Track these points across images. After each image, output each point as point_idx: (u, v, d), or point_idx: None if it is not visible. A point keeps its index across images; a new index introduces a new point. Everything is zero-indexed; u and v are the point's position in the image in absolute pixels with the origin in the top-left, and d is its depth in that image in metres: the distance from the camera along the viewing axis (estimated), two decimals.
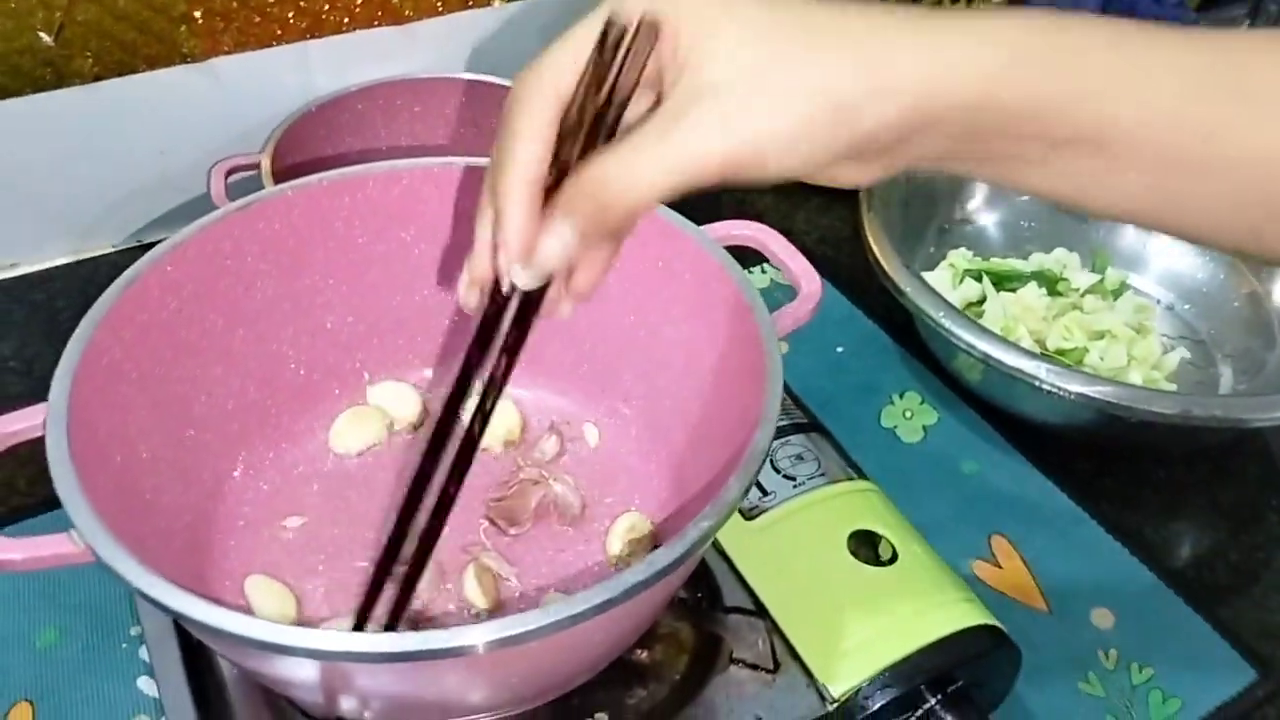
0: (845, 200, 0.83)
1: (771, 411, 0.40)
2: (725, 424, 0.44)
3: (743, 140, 0.32)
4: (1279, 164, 0.33)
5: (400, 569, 0.40)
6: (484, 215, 0.37)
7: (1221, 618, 0.58)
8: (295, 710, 0.46)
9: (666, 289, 0.50)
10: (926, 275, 0.71)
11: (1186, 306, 0.76)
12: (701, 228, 0.49)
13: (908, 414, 0.69)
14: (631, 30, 0.34)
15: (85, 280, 0.77)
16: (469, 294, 0.39)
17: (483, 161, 0.52)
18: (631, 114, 0.35)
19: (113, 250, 0.80)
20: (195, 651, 0.48)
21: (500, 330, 0.38)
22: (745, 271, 0.47)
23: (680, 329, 0.50)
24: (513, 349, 0.38)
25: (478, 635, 0.32)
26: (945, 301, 0.63)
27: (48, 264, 0.78)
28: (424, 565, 0.40)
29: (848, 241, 0.84)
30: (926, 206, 0.78)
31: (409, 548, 0.40)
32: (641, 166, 0.32)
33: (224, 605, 0.33)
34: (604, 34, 0.34)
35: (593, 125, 0.34)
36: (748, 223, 0.49)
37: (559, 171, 0.35)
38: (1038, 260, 0.77)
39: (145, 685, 0.53)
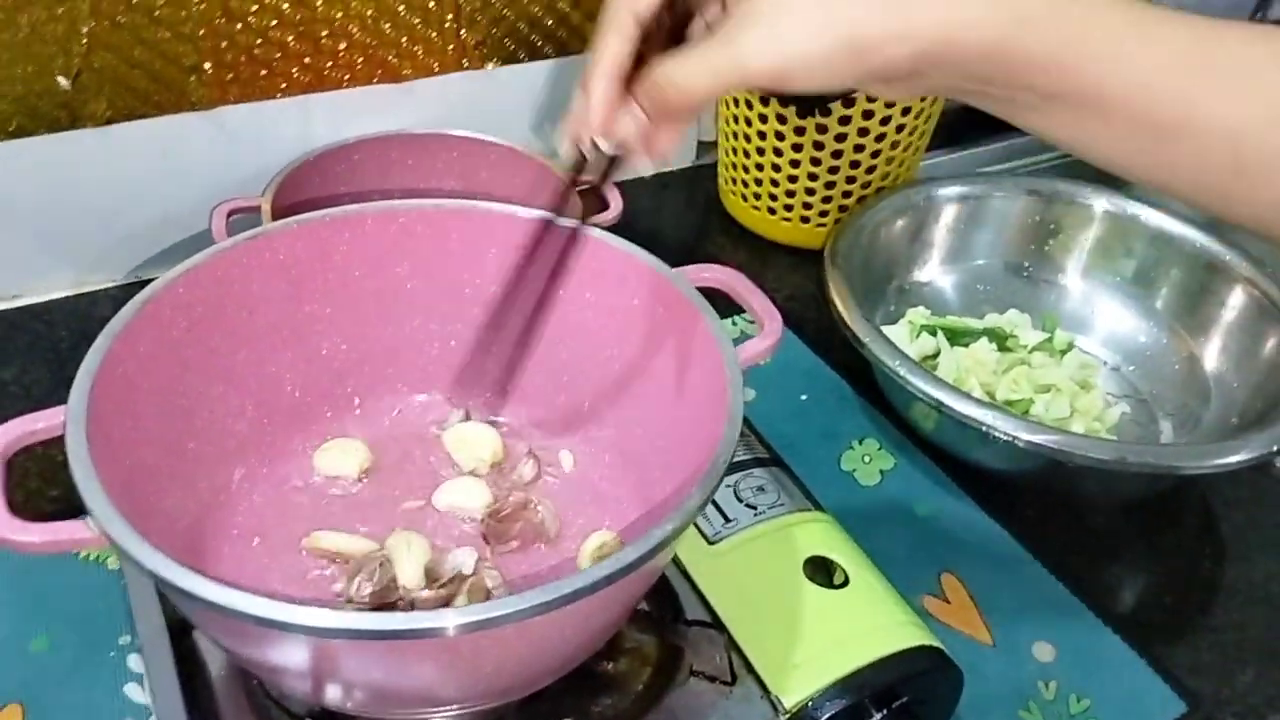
0: (813, 260, 0.88)
1: (731, 432, 0.44)
2: (691, 449, 0.48)
3: (775, 62, 0.39)
4: (1238, 133, 0.38)
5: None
6: (579, 94, 0.45)
7: (1156, 655, 0.62)
8: (281, 711, 0.49)
9: (641, 324, 0.54)
10: (886, 329, 0.76)
11: (1130, 368, 0.81)
12: (675, 269, 0.53)
13: (866, 459, 0.73)
14: None
15: (85, 312, 0.81)
16: (565, 149, 0.47)
17: (470, 205, 0.56)
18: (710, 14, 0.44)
19: (113, 285, 0.83)
20: (186, 656, 0.50)
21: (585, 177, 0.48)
22: (715, 312, 0.51)
23: (652, 361, 0.54)
24: (598, 191, 0.49)
25: (451, 618, 0.36)
26: (902, 353, 0.67)
27: (50, 295, 0.82)
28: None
29: (813, 298, 0.89)
30: (886, 268, 0.83)
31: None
32: (699, 72, 0.41)
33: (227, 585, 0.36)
34: None
35: (670, 30, 0.43)
36: (718, 266, 0.54)
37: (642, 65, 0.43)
38: (991, 319, 0.81)
39: (132, 692, 0.55)
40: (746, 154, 0.91)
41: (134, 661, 0.56)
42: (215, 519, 0.52)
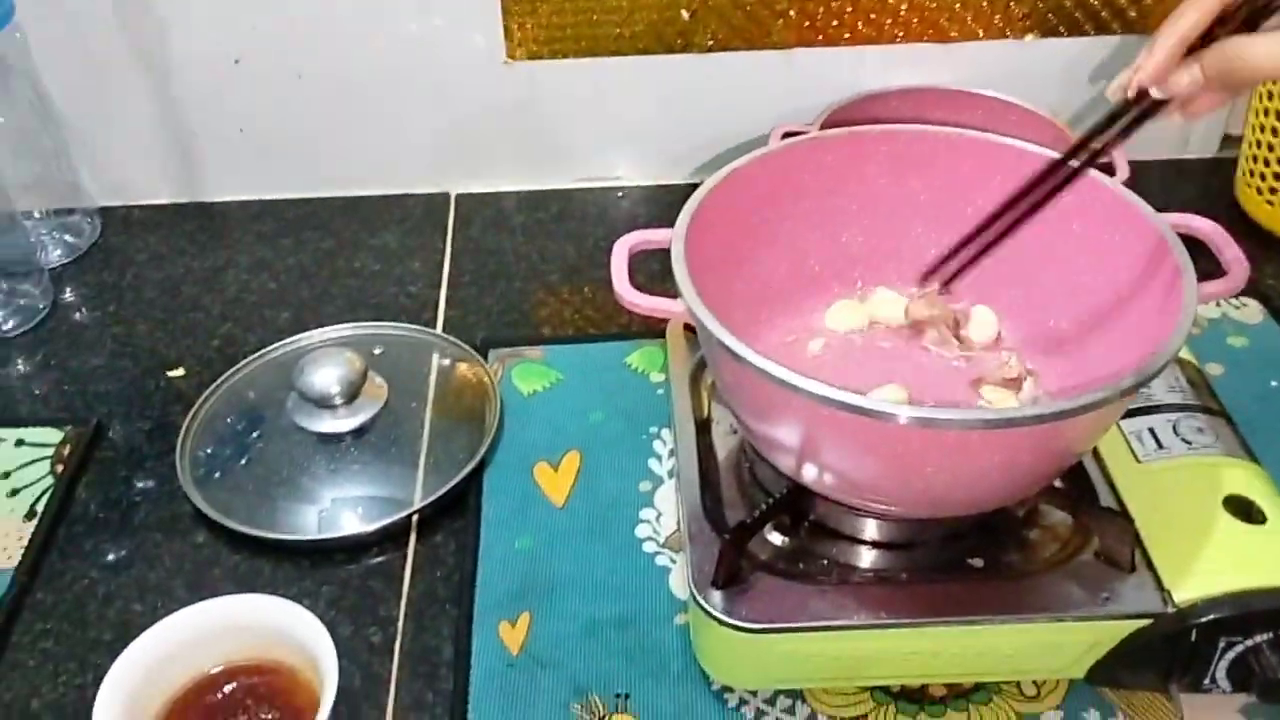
0: None
1: (1176, 341, 0.51)
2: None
3: None
4: None
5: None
6: (1145, 50, 0.53)
7: None
8: (761, 491, 0.64)
9: (1115, 257, 0.62)
10: None
11: None
12: (1161, 214, 0.60)
13: None
14: None
15: (656, 199, 1.03)
16: (1116, 91, 0.55)
17: (986, 136, 0.67)
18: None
19: (680, 182, 1.05)
20: (702, 445, 0.67)
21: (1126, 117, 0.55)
22: (1186, 251, 0.58)
23: (1122, 291, 0.61)
24: (1128, 130, 0.55)
25: (905, 410, 0.48)
26: None
27: (635, 183, 1.05)
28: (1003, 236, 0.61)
29: None
30: None
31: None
32: (1272, 53, 0.48)
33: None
34: None
35: (1245, 19, 0.50)
36: (1200, 216, 0.60)
37: (1207, 41, 0.51)
38: None
39: (652, 464, 0.75)
40: (1271, 148, 0.92)
41: (656, 445, 0.76)
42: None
